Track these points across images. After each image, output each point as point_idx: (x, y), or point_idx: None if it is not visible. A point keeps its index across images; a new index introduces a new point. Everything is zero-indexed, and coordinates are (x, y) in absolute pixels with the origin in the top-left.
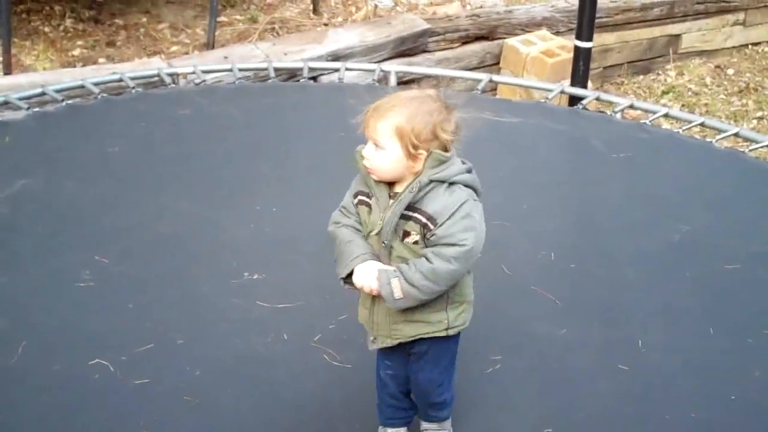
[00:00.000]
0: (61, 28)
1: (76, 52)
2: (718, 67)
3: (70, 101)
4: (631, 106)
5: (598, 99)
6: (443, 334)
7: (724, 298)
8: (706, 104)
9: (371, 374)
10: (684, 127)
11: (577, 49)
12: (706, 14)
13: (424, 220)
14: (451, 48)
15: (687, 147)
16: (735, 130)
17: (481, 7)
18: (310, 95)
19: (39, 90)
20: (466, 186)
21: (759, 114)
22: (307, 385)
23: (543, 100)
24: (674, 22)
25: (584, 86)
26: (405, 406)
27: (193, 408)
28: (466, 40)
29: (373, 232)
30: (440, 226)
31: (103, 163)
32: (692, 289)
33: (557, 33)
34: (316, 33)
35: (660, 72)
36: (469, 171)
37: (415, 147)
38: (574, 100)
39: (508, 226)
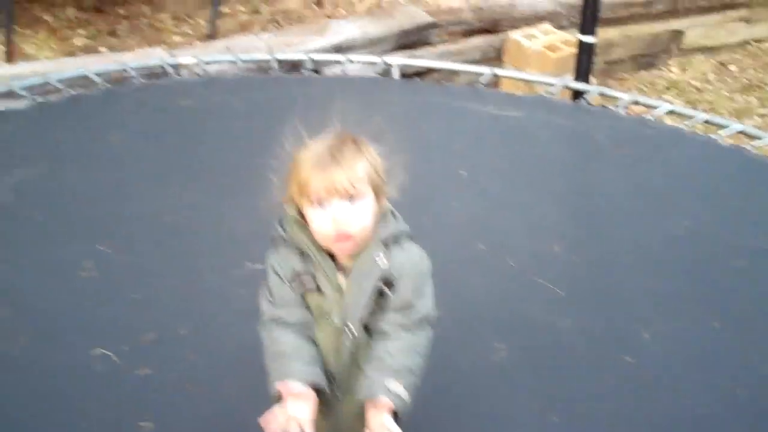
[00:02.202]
0: (63, 17)
1: (78, 41)
2: (721, 63)
3: (72, 91)
4: (635, 102)
5: (601, 94)
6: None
7: (729, 292)
8: (709, 101)
9: None
10: (688, 123)
11: (580, 43)
12: (710, 10)
13: (383, 287)
14: (454, 41)
15: (690, 142)
16: (738, 126)
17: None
18: (312, 87)
19: (41, 79)
20: (410, 238)
21: (762, 111)
22: None
23: (546, 95)
24: (677, 17)
25: (587, 81)
26: None
27: (197, 398)
28: (469, 34)
29: (334, 321)
30: (397, 289)
31: (105, 153)
32: (696, 283)
33: (561, 27)
34: (319, 25)
35: (663, 68)
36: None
37: (380, 190)
38: (577, 94)
39: (511, 218)
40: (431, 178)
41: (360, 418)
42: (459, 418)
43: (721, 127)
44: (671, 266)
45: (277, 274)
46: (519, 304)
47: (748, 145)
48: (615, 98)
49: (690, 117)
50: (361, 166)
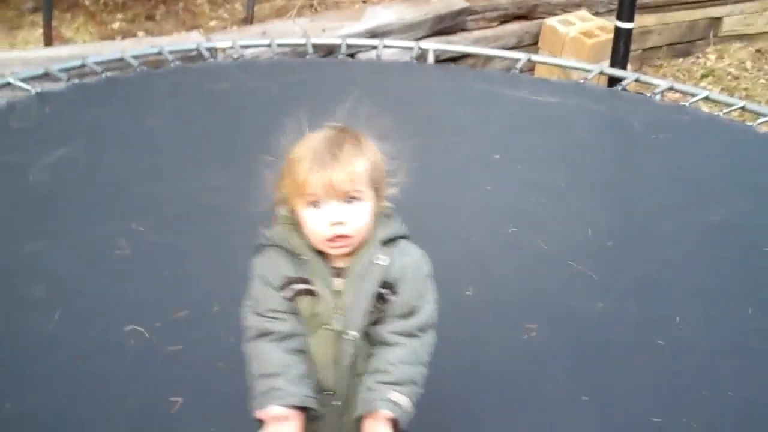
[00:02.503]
0: (101, 1)
1: (116, 25)
2: (758, 51)
3: (109, 73)
4: (671, 88)
5: (637, 80)
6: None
7: (763, 280)
8: (745, 88)
9: None
10: (724, 111)
11: (617, 29)
12: None
13: (384, 290)
14: (490, 27)
15: (727, 130)
16: None
17: None
18: (347, 72)
19: (79, 62)
20: (407, 239)
21: None
22: None
23: (582, 80)
24: (715, 5)
25: (624, 67)
26: None
27: (228, 375)
28: (505, 20)
29: (333, 327)
30: (398, 293)
31: (141, 135)
32: (730, 270)
33: (597, 14)
34: (355, 10)
35: (700, 55)
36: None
37: (380, 190)
38: (613, 81)
39: (545, 203)
40: (465, 161)
41: (357, 425)
42: (488, 397)
43: (758, 114)
44: (706, 253)
45: (265, 281)
46: (551, 286)
47: None
48: (651, 85)
49: (726, 104)
50: (361, 164)
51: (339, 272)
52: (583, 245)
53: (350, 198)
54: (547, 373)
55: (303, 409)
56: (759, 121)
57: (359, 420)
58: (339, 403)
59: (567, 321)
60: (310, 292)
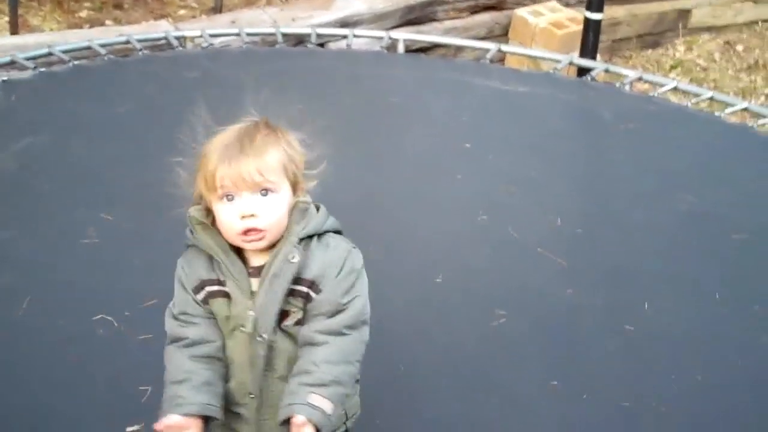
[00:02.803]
0: None
1: (83, 13)
2: (727, 43)
3: (76, 62)
4: (640, 79)
5: (606, 71)
6: (343, 428)
7: (731, 267)
8: (714, 80)
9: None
10: (693, 101)
11: (587, 20)
12: None
13: (305, 289)
14: (460, 17)
15: (695, 120)
16: (743, 104)
17: None
18: (317, 61)
19: (45, 50)
20: (336, 232)
21: None
22: None
23: (551, 71)
24: None
25: (593, 58)
26: None
27: None
28: (475, 10)
29: (246, 329)
30: (322, 291)
31: (109, 124)
32: (699, 257)
33: (567, 5)
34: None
35: (669, 47)
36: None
37: (297, 183)
38: (582, 71)
39: (515, 191)
40: (436, 150)
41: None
42: (457, 382)
43: (726, 105)
44: (675, 241)
45: (180, 283)
46: (520, 273)
47: (752, 123)
48: (620, 75)
49: (695, 95)
50: (273, 155)
51: (257, 271)
52: (552, 233)
53: (263, 190)
54: (516, 358)
55: (205, 417)
56: (727, 111)
57: (283, 424)
58: (260, 407)
59: (537, 307)
60: (224, 294)
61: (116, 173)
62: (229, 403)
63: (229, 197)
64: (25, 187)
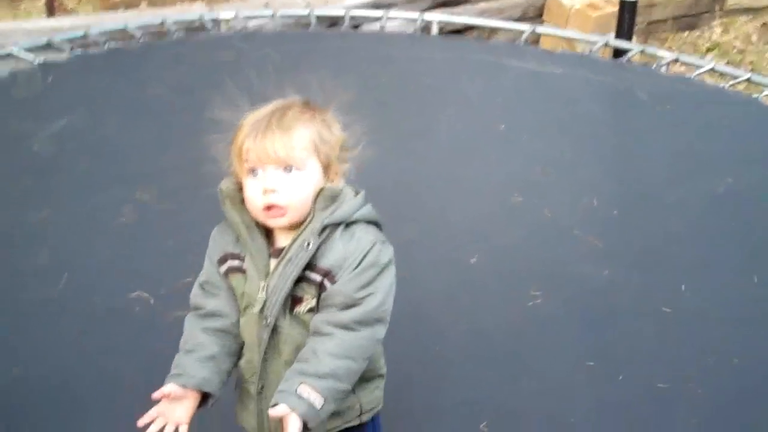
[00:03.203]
0: None
1: None
2: (764, 24)
3: (112, 44)
4: (676, 61)
5: (642, 52)
6: (356, 422)
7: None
8: (751, 62)
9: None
10: (729, 83)
11: (622, 1)
12: None
13: (319, 278)
14: None
15: (732, 102)
16: None
17: None
18: (351, 43)
19: (81, 32)
20: (369, 223)
21: None
22: None
23: (587, 52)
24: None
25: (629, 39)
26: None
27: None
28: None
29: (254, 309)
30: (337, 282)
31: (144, 106)
32: (736, 239)
33: None
34: None
35: (705, 28)
36: (365, 201)
37: (330, 166)
38: (618, 53)
39: (550, 172)
40: (470, 132)
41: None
42: (492, 362)
43: (763, 87)
44: (711, 223)
45: (208, 253)
46: (556, 254)
47: None
48: (656, 57)
49: (732, 76)
50: (302, 133)
51: (278, 252)
52: (588, 214)
53: (287, 166)
54: (551, 339)
55: (204, 392)
56: (764, 93)
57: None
58: (259, 388)
59: (572, 288)
60: (242, 270)
61: (151, 154)
62: (241, 379)
63: (254, 172)
64: (62, 167)
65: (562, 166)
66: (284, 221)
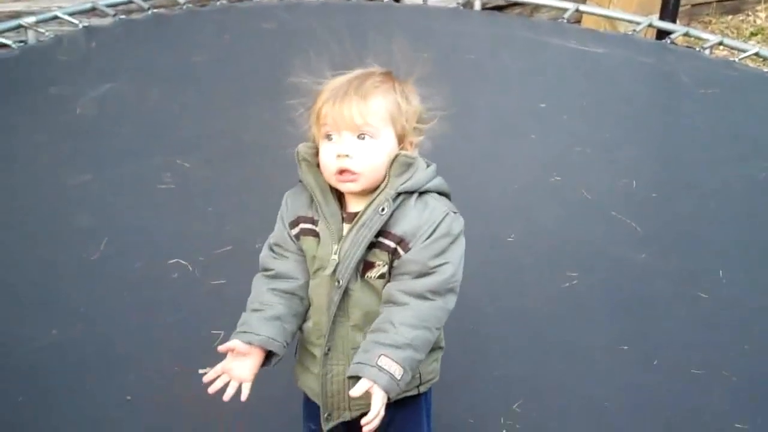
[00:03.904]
0: None
1: None
2: None
3: (155, 10)
4: (721, 44)
5: (686, 34)
6: (414, 392)
7: None
8: None
9: None
10: None
11: None
12: None
13: (393, 245)
14: None
15: None
16: None
17: None
18: (393, 16)
19: None
20: (440, 194)
21: None
22: None
23: (630, 32)
24: None
25: (673, 21)
26: None
27: None
28: None
29: (326, 272)
30: (411, 250)
31: (187, 72)
32: None
33: None
34: None
35: (749, 12)
36: (435, 173)
37: (405, 136)
38: (661, 34)
39: (590, 153)
40: (510, 109)
41: (344, 384)
42: (526, 341)
43: None
44: (751, 209)
45: (281, 215)
46: (593, 235)
47: None
48: (700, 39)
49: None
50: (379, 101)
51: (350, 217)
52: (627, 196)
53: (361, 133)
54: (587, 320)
55: (268, 352)
56: None
57: (351, 378)
58: (326, 350)
59: (608, 271)
60: (315, 233)
61: (192, 121)
62: (305, 342)
63: (330, 136)
64: (105, 133)
65: (601, 147)
66: (355, 186)
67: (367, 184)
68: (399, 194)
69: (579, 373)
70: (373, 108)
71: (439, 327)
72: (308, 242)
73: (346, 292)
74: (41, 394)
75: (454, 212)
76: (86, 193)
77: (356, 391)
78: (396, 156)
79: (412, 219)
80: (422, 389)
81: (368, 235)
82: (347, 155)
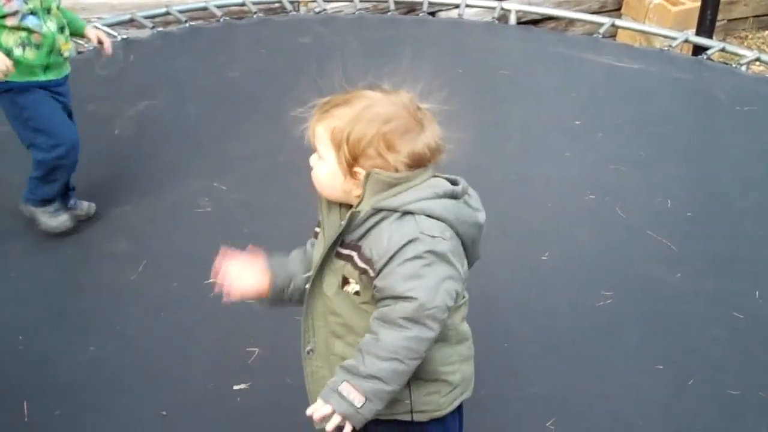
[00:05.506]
0: None
1: None
2: None
3: (193, 23)
4: (758, 59)
5: (723, 50)
6: (405, 418)
7: None
8: None
9: None
10: None
11: None
12: None
13: (362, 264)
14: None
15: None
16: None
17: None
18: (428, 30)
19: (163, 9)
20: (430, 217)
21: None
22: None
23: (666, 48)
24: None
25: (710, 36)
26: None
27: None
28: None
29: (308, 273)
30: (379, 272)
31: (223, 88)
32: None
33: None
34: None
35: None
36: (446, 195)
37: (352, 162)
38: (698, 50)
39: (624, 171)
40: (545, 126)
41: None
42: (560, 359)
43: None
44: None
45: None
46: (628, 255)
47: None
48: (737, 55)
49: None
50: (329, 124)
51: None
52: (662, 215)
53: (315, 148)
54: (621, 339)
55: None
56: None
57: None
58: (309, 351)
59: (643, 290)
60: (317, 236)
61: (229, 141)
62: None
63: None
64: (143, 154)
65: (636, 165)
66: (324, 196)
67: (330, 197)
68: (379, 211)
69: (613, 392)
70: (319, 128)
71: (416, 358)
72: (315, 244)
73: (324, 298)
74: (78, 408)
75: (432, 236)
76: (126, 218)
77: (311, 409)
78: (368, 174)
79: (383, 239)
80: (418, 418)
81: (327, 243)
82: (311, 167)
